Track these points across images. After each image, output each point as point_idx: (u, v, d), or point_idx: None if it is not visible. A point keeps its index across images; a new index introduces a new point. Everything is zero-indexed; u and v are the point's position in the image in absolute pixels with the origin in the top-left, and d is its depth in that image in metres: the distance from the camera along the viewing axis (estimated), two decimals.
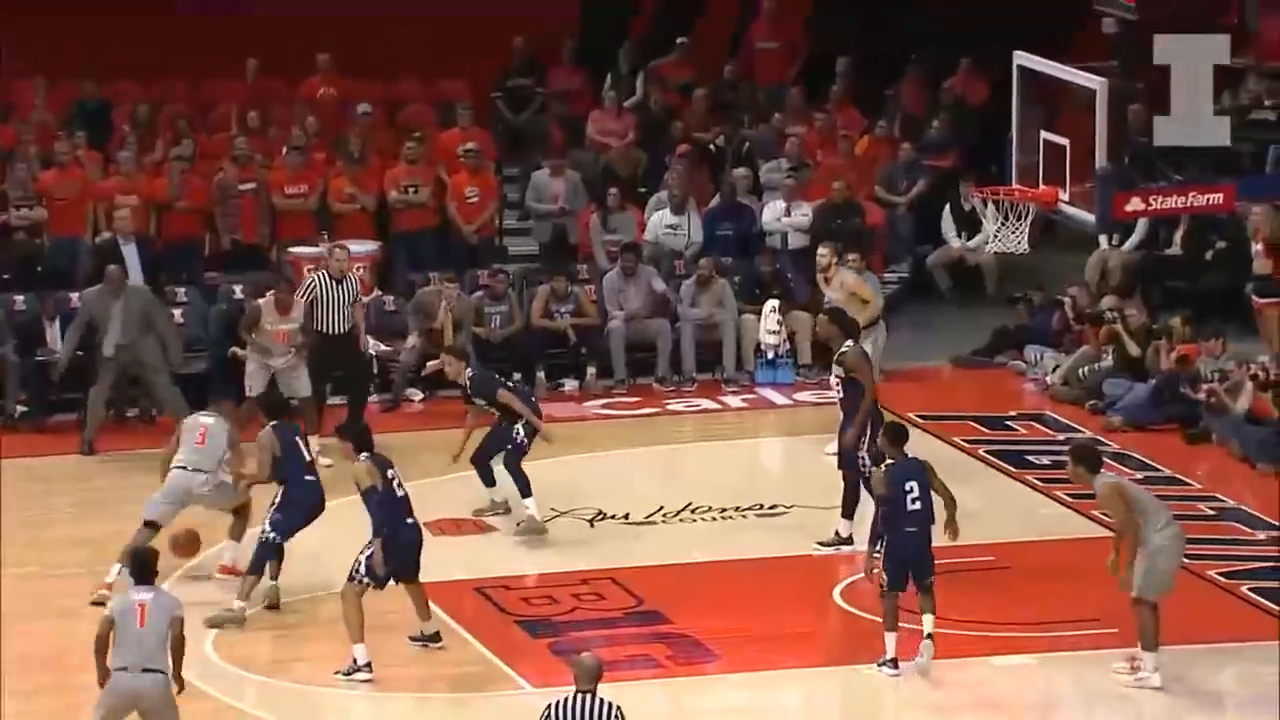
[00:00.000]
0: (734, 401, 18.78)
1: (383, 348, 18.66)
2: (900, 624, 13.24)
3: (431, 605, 13.58)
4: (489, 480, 15.58)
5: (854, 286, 16.97)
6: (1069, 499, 16.22)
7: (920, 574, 13.28)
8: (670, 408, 18.72)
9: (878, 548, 13.31)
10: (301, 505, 14.14)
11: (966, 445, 17.50)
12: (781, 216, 20.56)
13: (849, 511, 14.96)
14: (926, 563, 13.28)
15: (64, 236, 19.51)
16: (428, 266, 19.36)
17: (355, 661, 13.08)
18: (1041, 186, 13.92)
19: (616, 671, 13.23)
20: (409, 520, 13.34)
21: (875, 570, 13.31)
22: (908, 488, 13.22)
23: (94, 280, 17.92)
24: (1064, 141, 13.74)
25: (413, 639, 13.50)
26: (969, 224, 20.68)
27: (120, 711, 11.26)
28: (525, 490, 15.32)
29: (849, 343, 14.99)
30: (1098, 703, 13.05)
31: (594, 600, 14.36)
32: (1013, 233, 14.23)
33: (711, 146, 21.65)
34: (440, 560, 14.76)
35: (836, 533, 15.03)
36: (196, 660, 13.03)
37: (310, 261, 19.27)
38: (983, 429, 17.84)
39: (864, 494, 14.62)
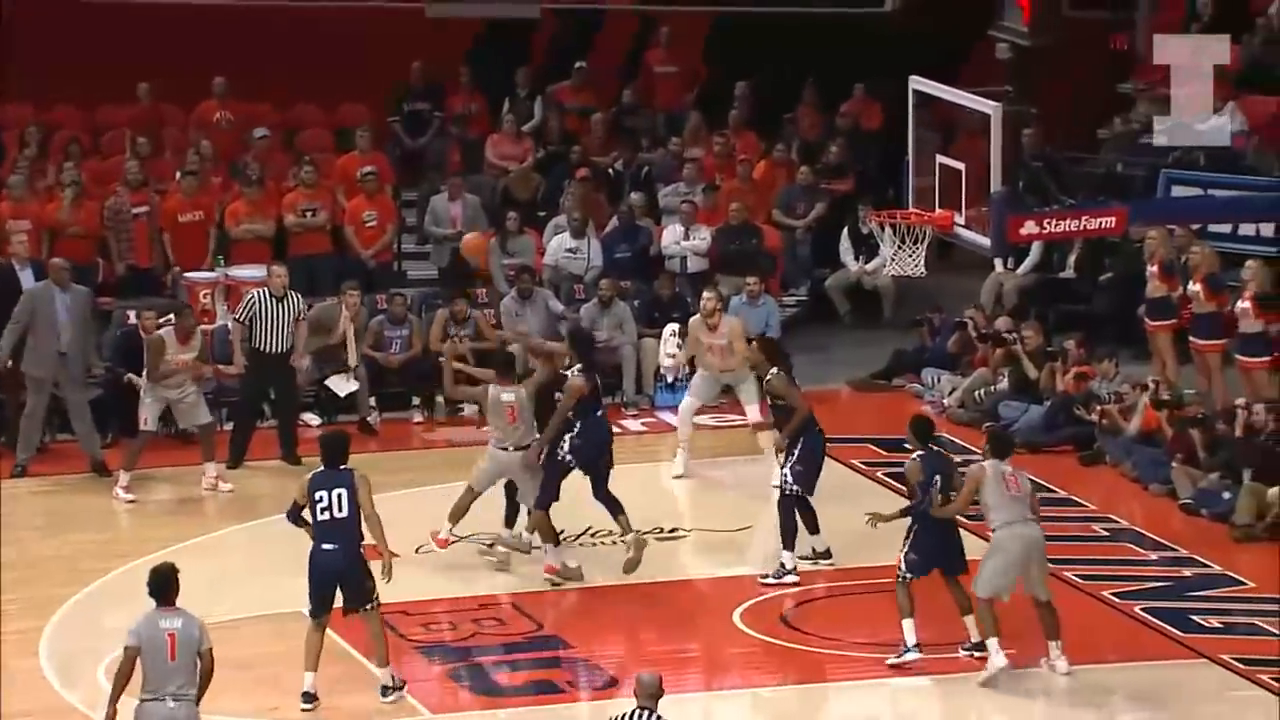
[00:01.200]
0: (633, 425, 18.80)
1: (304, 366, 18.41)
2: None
3: (330, 631, 13.27)
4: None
5: (738, 335, 16.98)
6: (966, 521, 16.32)
7: (951, 567, 13.50)
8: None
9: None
10: None
11: (864, 467, 17.60)
12: (680, 240, 20.63)
13: (790, 543, 14.96)
14: (958, 555, 13.53)
15: None
16: (325, 291, 19.25)
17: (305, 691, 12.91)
18: (937, 210, 14.04)
19: (516, 698, 13.33)
20: (325, 546, 12.96)
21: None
22: (934, 480, 13.49)
23: None
24: (959, 166, 13.87)
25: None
26: (866, 247, 20.81)
27: None
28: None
29: (774, 370, 15.07)
30: None
31: (494, 625, 14.33)
32: (909, 256, 14.34)
33: (610, 170, 21.69)
34: None
35: (781, 564, 14.98)
36: (90, 686, 13.05)
37: (205, 286, 19.19)
38: (880, 451, 17.94)
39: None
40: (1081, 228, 14.19)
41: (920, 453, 13.78)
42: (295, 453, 17.47)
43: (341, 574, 12.95)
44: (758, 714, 13.40)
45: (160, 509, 16.91)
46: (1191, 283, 18.18)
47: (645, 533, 15.38)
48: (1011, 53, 14.79)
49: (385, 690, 13.13)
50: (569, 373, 14.99)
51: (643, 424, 18.98)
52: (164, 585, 11.09)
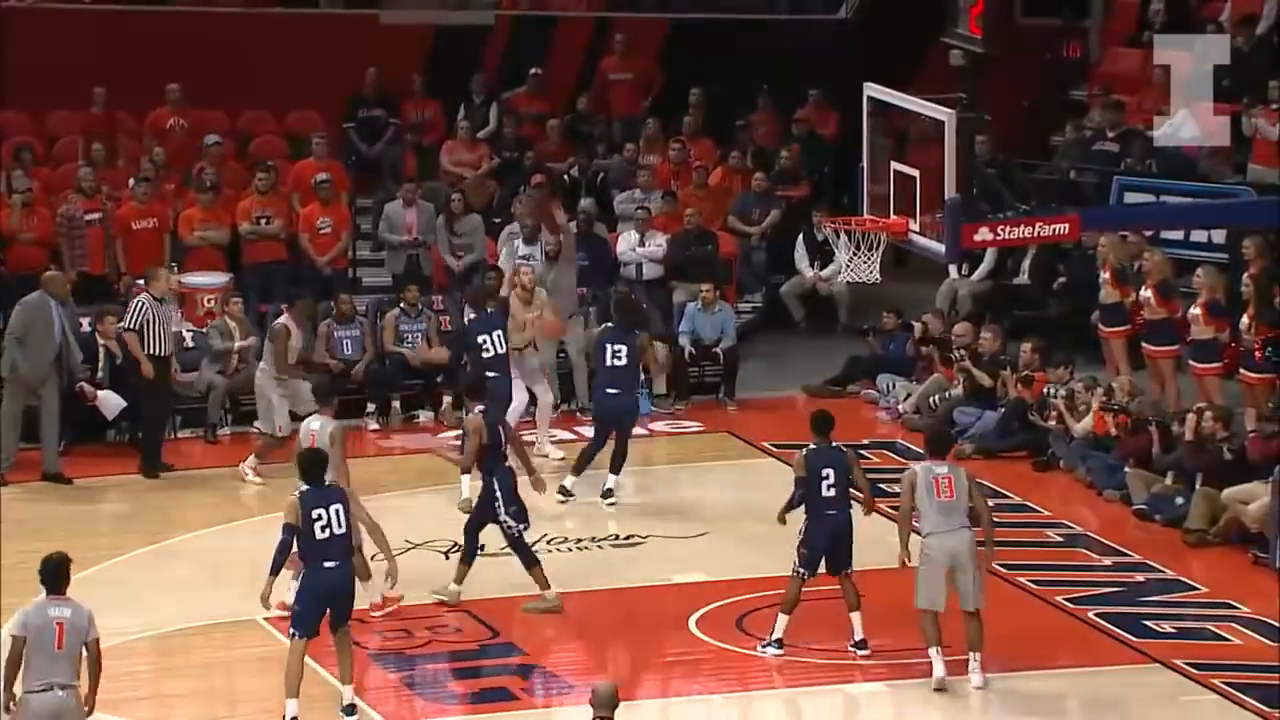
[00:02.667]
0: (589, 432, 18.78)
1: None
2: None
3: (284, 639, 13.23)
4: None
5: (545, 302, 17.13)
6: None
7: (838, 563, 13.44)
8: (525, 438, 18.70)
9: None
10: None
11: None
12: (636, 247, 20.64)
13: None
14: (845, 552, 13.48)
15: None
16: (279, 298, 19.17)
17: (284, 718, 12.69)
18: (892, 217, 14.07)
19: (471, 705, 13.31)
20: (326, 564, 12.74)
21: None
22: (824, 474, 13.40)
23: None
24: (913, 172, 13.90)
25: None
26: (822, 254, 20.84)
27: None
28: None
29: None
30: None
31: (450, 633, 14.29)
32: (864, 263, 14.36)
33: (565, 177, 21.68)
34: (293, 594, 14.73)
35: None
36: None
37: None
38: None
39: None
40: (1035, 234, 14.23)
41: (810, 446, 13.71)
42: (157, 464, 17.38)
43: (340, 593, 12.82)
44: None
45: (115, 515, 16.84)
46: (1144, 289, 18.26)
47: (601, 539, 15.36)
48: (965, 60, 14.82)
49: (350, 709, 12.99)
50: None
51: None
52: (55, 574, 11.03)
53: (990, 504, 13.77)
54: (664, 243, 20.62)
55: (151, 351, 17.35)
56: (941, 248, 13.97)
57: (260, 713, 13.13)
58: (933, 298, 20.61)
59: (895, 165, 14.07)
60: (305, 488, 12.83)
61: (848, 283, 18.62)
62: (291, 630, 12.79)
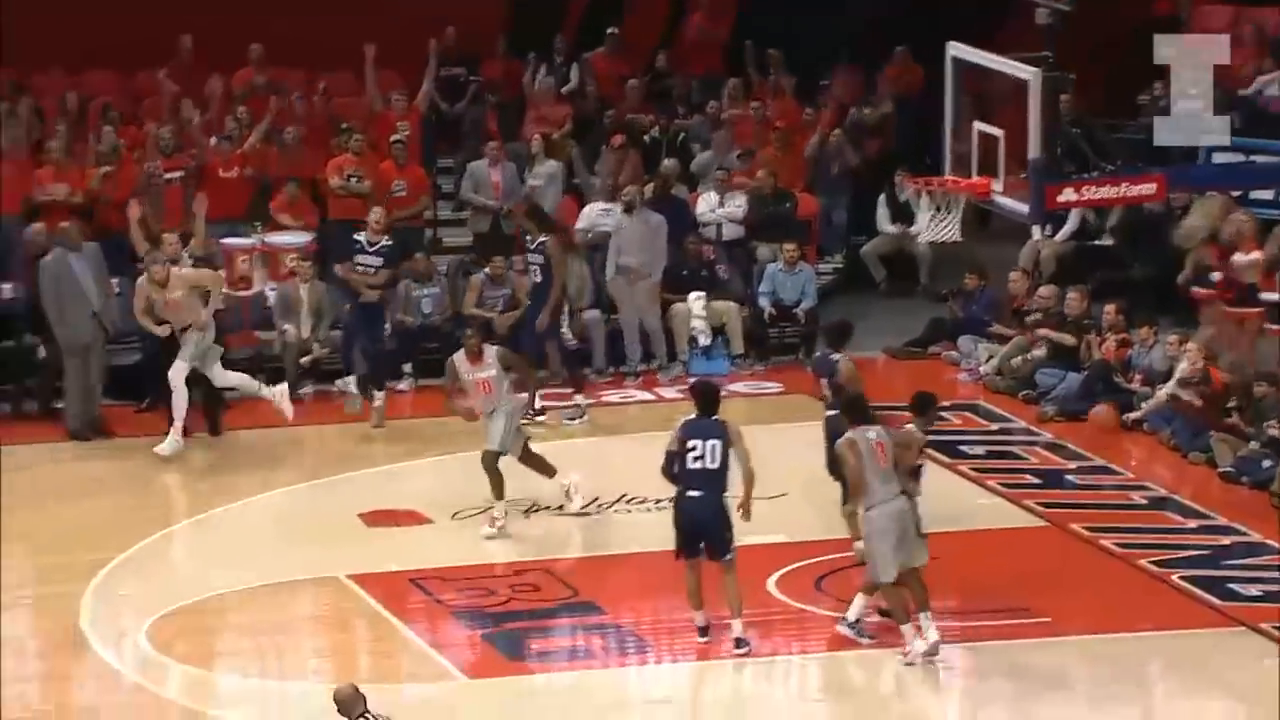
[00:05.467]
0: (669, 392, 18.73)
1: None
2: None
3: (366, 596, 13.51)
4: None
5: (193, 279, 16.74)
6: (1002, 489, 16.28)
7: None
8: (606, 399, 18.61)
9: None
10: None
11: None
12: (715, 207, 20.55)
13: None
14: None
15: None
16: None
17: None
18: (975, 177, 13.94)
19: (551, 663, 13.32)
20: (689, 492, 12.94)
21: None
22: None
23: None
24: (997, 132, 13.76)
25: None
26: (903, 214, 20.70)
27: None
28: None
29: None
30: (1027, 690, 13.00)
31: (529, 591, 14.28)
32: (946, 223, 14.25)
33: (646, 137, 21.59)
34: (375, 552, 14.84)
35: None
36: (133, 649, 13.15)
37: (243, 252, 19.14)
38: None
39: None
40: (1121, 195, 14.08)
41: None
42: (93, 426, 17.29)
43: (704, 523, 13.01)
44: (791, 681, 13.36)
45: (194, 475, 16.93)
46: (1238, 252, 18.03)
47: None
48: (1050, 18, 14.64)
49: (739, 642, 13.13)
50: None
51: (678, 390, 18.91)
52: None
53: (1070, 467, 13.60)
54: (744, 203, 20.51)
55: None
56: (1025, 208, 13.84)
57: (340, 668, 13.15)
58: (1015, 259, 20.43)
59: (978, 125, 13.94)
60: (693, 417, 12.98)
61: (929, 243, 18.48)
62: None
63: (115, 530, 15.22)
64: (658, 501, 15.30)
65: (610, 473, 15.07)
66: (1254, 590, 14.36)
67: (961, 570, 13.87)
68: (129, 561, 14.68)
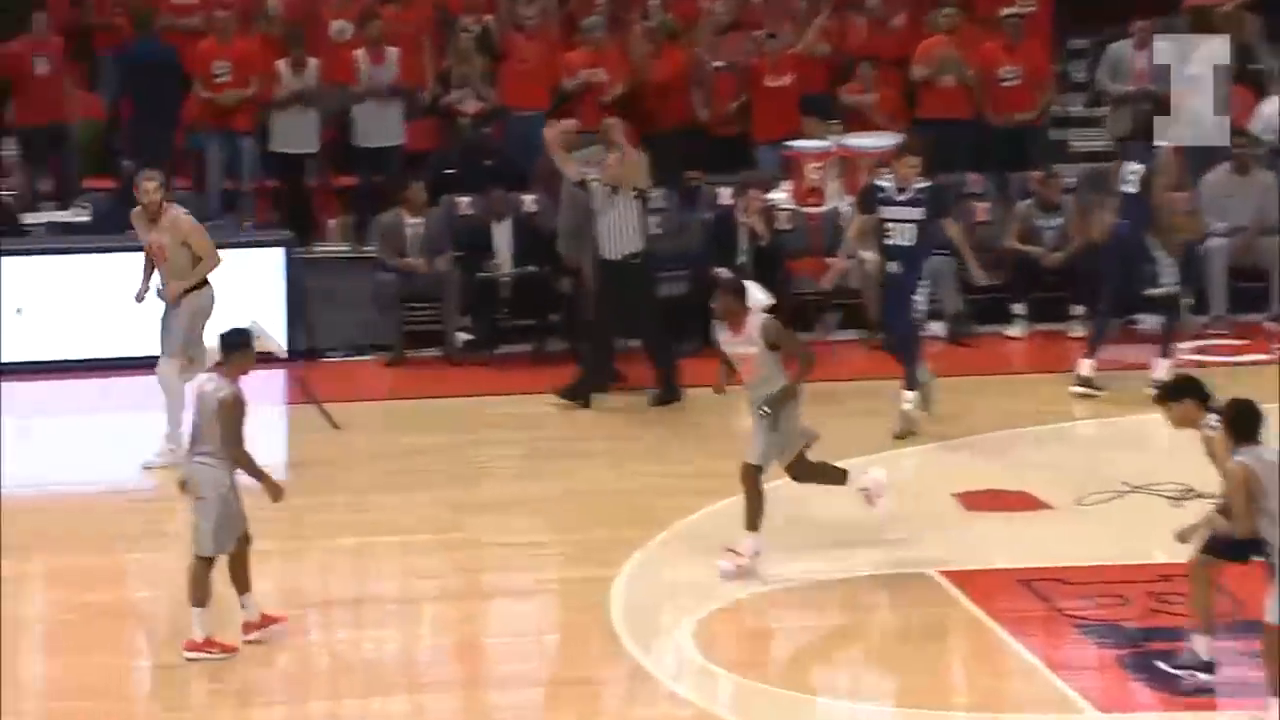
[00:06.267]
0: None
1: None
2: None
3: (963, 599, 11.53)
4: None
5: (187, 233, 13.43)
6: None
7: None
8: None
9: None
10: None
11: None
12: None
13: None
14: None
15: (523, 113, 17.31)
16: (961, 165, 16.67)
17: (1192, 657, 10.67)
18: None
19: (1211, 698, 10.63)
20: None
21: None
22: None
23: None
24: None
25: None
26: None
27: None
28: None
29: None
30: None
31: (1180, 602, 11.40)
32: None
33: None
34: (974, 542, 12.80)
35: None
36: (673, 651, 11.36)
37: (815, 159, 16.73)
38: None
39: None
40: None
41: None
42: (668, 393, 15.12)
43: None
44: None
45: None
46: None
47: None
48: None
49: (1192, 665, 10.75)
50: None
51: None
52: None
53: None
54: None
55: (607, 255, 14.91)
56: None
57: (931, 690, 10.86)
58: None
59: None
60: None
61: None
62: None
63: (655, 501, 13.51)
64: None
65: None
66: None
67: None
68: (672, 539, 12.90)
